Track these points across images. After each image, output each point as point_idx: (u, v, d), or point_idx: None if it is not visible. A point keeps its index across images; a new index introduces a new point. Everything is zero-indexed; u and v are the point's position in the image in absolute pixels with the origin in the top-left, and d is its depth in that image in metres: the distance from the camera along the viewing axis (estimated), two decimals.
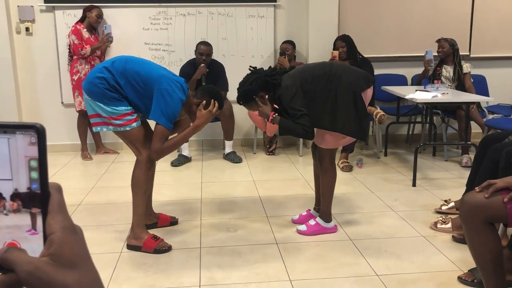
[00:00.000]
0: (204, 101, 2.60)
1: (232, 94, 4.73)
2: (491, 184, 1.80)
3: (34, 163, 0.44)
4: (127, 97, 2.56)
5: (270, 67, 2.81)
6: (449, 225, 2.89)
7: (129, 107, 2.57)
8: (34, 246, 0.44)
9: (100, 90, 2.51)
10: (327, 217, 2.90)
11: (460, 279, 2.29)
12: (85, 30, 4.67)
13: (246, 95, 2.74)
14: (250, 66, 2.84)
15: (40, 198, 0.44)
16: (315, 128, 2.70)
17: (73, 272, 0.42)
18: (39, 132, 0.44)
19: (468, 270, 2.31)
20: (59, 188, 0.45)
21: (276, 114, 2.70)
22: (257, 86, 2.70)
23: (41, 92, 5.06)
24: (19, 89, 5.01)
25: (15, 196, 0.44)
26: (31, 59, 4.99)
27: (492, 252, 1.83)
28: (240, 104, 2.82)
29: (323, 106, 2.67)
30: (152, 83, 2.53)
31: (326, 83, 2.67)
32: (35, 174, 0.44)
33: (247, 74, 2.79)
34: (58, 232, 0.43)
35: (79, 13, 4.78)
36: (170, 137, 2.61)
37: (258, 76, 2.72)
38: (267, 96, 2.72)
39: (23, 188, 0.44)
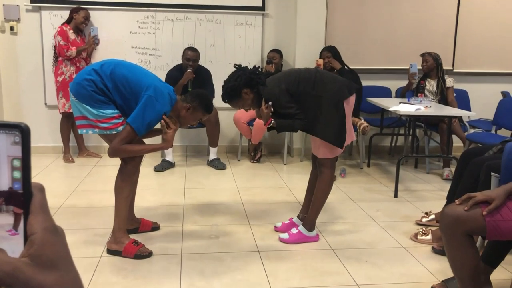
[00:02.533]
0: (171, 130, 2.58)
1: (218, 101, 4.74)
2: (471, 197, 1.83)
3: (17, 163, 0.43)
4: (115, 100, 2.54)
5: (254, 66, 2.82)
6: (429, 236, 2.92)
7: (116, 111, 2.54)
8: (14, 247, 0.43)
9: (87, 92, 2.48)
10: (310, 226, 2.91)
11: None
12: (71, 31, 4.63)
13: (231, 92, 2.73)
14: (235, 64, 2.85)
15: (22, 198, 0.43)
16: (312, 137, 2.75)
17: (53, 273, 0.42)
18: (23, 132, 0.43)
19: (442, 281, 2.34)
20: (41, 189, 0.45)
21: (273, 119, 2.75)
22: (241, 82, 2.70)
23: (25, 92, 4.99)
24: (2, 89, 4.93)
25: None
26: (15, 59, 4.93)
27: (470, 264, 1.85)
28: (225, 102, 2.79)
29: (306, 110, 2.70)
30: (140, 90, 2.51)
31: (312, 87, 2.70)
32: (17, 174, 0.43)
33: (232, 72, 2.79)
34: (39, 232, 0.42)
35: (66, 14, 4.74)
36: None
37: (242, 73, 2.72)
38: (268, 104, 2.73)
39: (4, 188, 0.43)
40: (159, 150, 2.61)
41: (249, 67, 2.80)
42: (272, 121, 2.73)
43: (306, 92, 2.70)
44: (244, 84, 2.70)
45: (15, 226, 0.43)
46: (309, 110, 2.70)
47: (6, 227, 0.44)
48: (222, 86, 2.77)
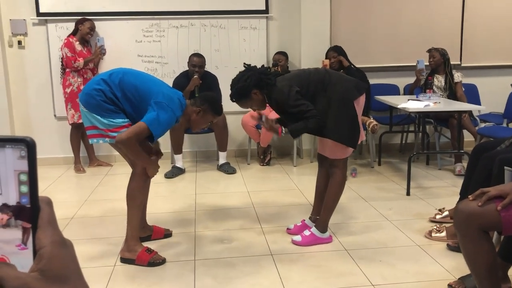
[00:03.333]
0: (156, 157, 2.64)
1: (225, 106, 4.74)
2: (484, 192, 1.81)
3: (24, 177, 0.43)
4: (124, 109, 2.55)
5: (263, 65, 2.79)
6: (444, 233, 2.89)
7: (126, 119, 2.55)
8: (23, 261, 0.43)
9: (97, 102, 2.50)
10: (323, 227, 2.89)
11: (450, 286, 2.28)
12: (77, 43, 4.67)
13: (240, 92, 2.70)
14: (245, 63, 2.81)
15: (30, 213, 0.43)
16: (319, 138, 2.70)
17: (63, 287, 0.42)
18: (29, 146, 0.43)
19: (458, 278, 2.30)
20: (49, 202, 0.45)
21: (282, 127, 2.70)
22: (251, 83, 2.66)
23: (34, 105, 5.04)
24: (12, 102, 4.99)
25: (4, 210, 0.43)
26: (24, 72, 4.98)
27: (487, 260, 1.83)
28: (233, 101, 2.76)
29: (317, 111, 2.67)
30: (149, 97, 2.51)
31: (321, 89, 2.67)
32: (25, 188, 0.43)
33: (241, 71, 2.75)
34: (48, 246, 0.42)
35: (71, 26, 4.78)
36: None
37: (252, 73, 2.68)
38: (261, 96, 2.69)
39: (12, 202, 0.43)
40: (145, 165, 2.59)
41: (258, 67, 2.78)
42: (283, 129, 2.69)
43: (317, 93, 2.67)
44: (254, 85, 2.67)
45: (24, 240, 0.43)
46: (320, 111, 2.67)
47: (15, 241, 0.44)
48: (231, 86, 2.72)
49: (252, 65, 2.80)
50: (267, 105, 2.80)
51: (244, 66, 2.80)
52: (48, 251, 0.42)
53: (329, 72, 2.77)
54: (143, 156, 2.58)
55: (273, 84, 2.67)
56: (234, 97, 2.73)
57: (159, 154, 2.80)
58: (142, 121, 2.46)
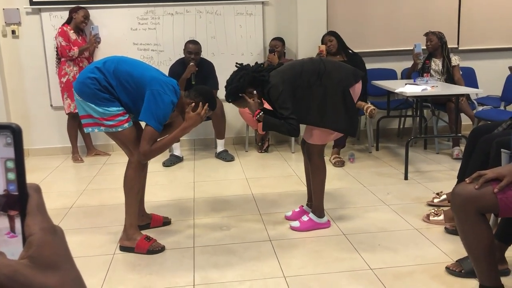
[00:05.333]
0: (193, 103, 2.58)
1: (223, 93, 4.72)
2: (481, 175, 1.81)
3: (10, 164, 0.43)
4: (119, 98, 2.54)
5: (256, 62, 2.81)
6: (442, 217, 2.90)
7: (120, 108, 2.54)
8: (13, 249, 0.43)
9: (91, 90, 2.48)
10: (320, 213, 2.91)
11: (447, 269, 2.30)
12: (72, 31, 4.62)
13: (235, 92, 2.72)
14: (237, 63, 2.83)
15: (18, 200, 0.43)
16: (303, 125, 2.70)
17: (54, 274, 0.41)
18: (15, 133, 0.42)
19: (456, 261, 2.32)
20: (37, 189, 0.44)
21: (262, 112, 2.69)
22: (245, 82, 2.68)
23: (30, 95, 5.01)
24: (7, 93, 4.96)
25: None
26: (19, 62, 4.94)
27: (485, 243, 1.84)
28: (229, 102, 2.80)
29: (313, 102, 2.67)
30: (144, 85, 2.50)
31: (316, 79, 2.66)
32: (12, 176, 0.43)
33: (234, 71, 2.77)
34: (37, 233, 0.42)
35: (65, 14, 4.73)
36: (159, 139, 2.59)
37: (245, 72, 2.70)
38: (255, 92, 2.71)
39: (0, 191, 0.43)
40: (185, 133, 2.60)
41: (251, 65, 2.79)
42: (260, 113, 2.69)
43: (312, 84, 2.66)
44: (248, 84, 2.69)
45: (12, 228, 0.43)
46: (316, 102, 2.66)
47: (3, 230, 0.43)
48: (225, 87, 2.76)
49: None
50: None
51: (236, 66, 2.81)
52: (38, 238, 0.42)
53: (324, 61, 2.77)
54: (174, 137, 2.56)
55: (266, 80, 2.68)
56: (230, 97, 2.76)
57: (203, 110, 2.57)
58: (139, 119, 2.51)
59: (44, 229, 0.42)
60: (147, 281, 2.36)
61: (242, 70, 2.74)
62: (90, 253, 2.66)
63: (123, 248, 2.68)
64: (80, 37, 4.70)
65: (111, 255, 2.65)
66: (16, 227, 0.43)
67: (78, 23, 4.64)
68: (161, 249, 2.67)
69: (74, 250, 2.58)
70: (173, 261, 2.56)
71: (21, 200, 0.43)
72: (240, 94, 2.72)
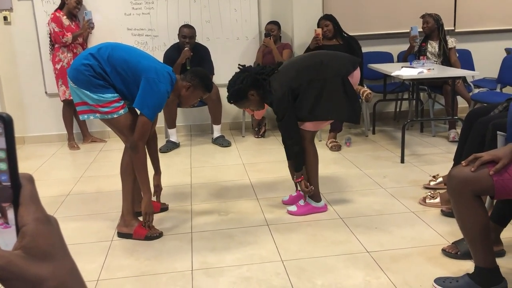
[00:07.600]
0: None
1: (218, 78, 4.70)
2: (477, 157, 1.81)
3: (1, 154, 0.42)
4: (114, 84, 2.52)
5: (258, 64, 2.81)
6: (438, 199, 2.92)
7: (115, 94, 2.52)
8: (7, 240, 0.42)
9: (86, 77, 2.46)
10: (316, 197, 2.92)
11: (444, 251, 2.32)
12: (65, 17, 4.57)
13: (237, 94, 2.73)
14: (239, 65, 2.83)
15: (10, 190, 0.42)
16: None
17: (48, 264, 0.41)
18: (6, 122, 0.42)
19: (452, 243, 2.34)
20: (30, 179, 0.44)
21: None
22: (247, 84, 2.69)
23: (24, 82, 4.96)
24: (1, 81, 4.91)
25: None
26: (12, 49, 4.89)
27: (480, 224, 1.85)
28: (231, 103, 2.80)
29: (314, 97, 2.67)
30: (140, 72, 2.48)
31: (315, 73, 2.68)
32: (3, 166, 0.42)
33: (236, 73, 2.78)
34: (30, 223, 0.41)
35: (58, 0, 4.67)
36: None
37: (248, 74, 2.71)
38: (258, 96, 2.73)
39: None
40: (143, 191, 2.61)
41: (253, 66, 2.80)
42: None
43: (311, 79, 2.67)
44: (250, 86, 2.70)
45: (5, 218, 0.42)
46: (317, 95, 2.67)
47: None
48: (228, 88, 2.76)
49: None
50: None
51: (239, 68, 2.81)
52: (31, 228, 0.41)
53: (320, 54, 2.78)
54: (143, 177, 2.57)
55: (268, 89, 2.69)
56: (232, 99, 2.76)
57: (159, 188, 2.90)
58: (134, 106, 2.49)
59: (38, 219, 0.42)
60: (145, 266, 2.37)
61: (244, 72, 2.74)
62: (88, 240, 2.66)
63: (121, 235, 2.69)
64: (73, 23, 4.64)
65: (109, 241, 2.66)
66: (10, 218, 0.42)
67: (71, 9, 4.58)
68: (159, 235, 2.68)
69: (72, 237, 2.56)
70: (171, 246, 2.57)
71: (14, 190, 0.42)
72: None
